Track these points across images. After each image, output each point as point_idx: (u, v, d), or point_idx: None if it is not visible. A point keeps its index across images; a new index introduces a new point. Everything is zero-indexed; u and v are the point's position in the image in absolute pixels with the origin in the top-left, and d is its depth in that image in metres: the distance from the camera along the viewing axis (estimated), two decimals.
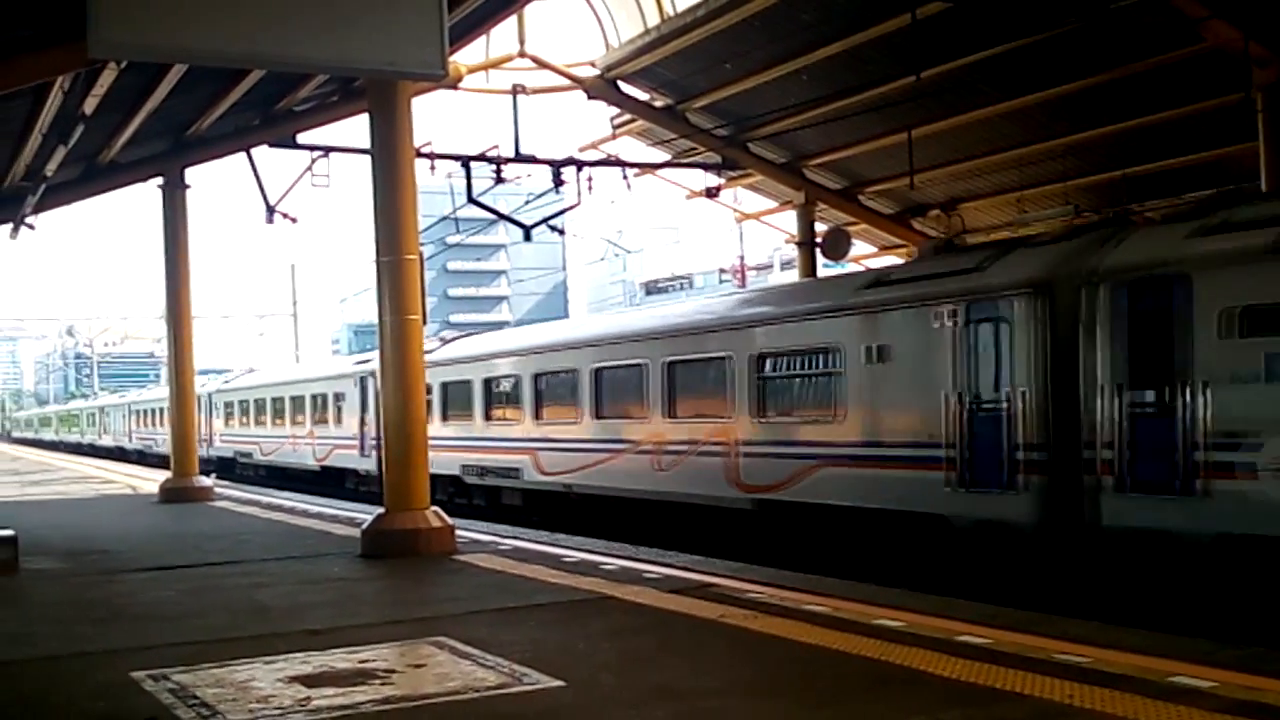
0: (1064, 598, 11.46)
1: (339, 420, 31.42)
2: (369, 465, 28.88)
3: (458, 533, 14.00)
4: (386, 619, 9.51)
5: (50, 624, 9.87)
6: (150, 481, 28.33)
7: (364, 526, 14.07)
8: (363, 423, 29.68)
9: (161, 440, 50.71)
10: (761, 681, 7.01)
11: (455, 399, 24.94)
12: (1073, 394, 12.13)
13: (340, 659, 7.75)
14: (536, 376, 21.94)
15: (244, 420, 40.55)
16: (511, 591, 10.54)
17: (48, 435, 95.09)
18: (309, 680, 7.17)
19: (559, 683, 6.92)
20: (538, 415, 21.84)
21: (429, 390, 24.44)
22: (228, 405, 42.24)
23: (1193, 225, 11.80)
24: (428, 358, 24.77)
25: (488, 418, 23.70)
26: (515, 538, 14.84)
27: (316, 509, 20.31)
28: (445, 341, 28.28)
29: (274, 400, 37.66)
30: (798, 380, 15.94)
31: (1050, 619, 8.62)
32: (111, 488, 28.97)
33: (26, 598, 11.41)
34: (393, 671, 7.43)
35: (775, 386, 16.21)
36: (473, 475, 23.64)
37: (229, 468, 39.66)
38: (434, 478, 20.73)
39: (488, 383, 23.77)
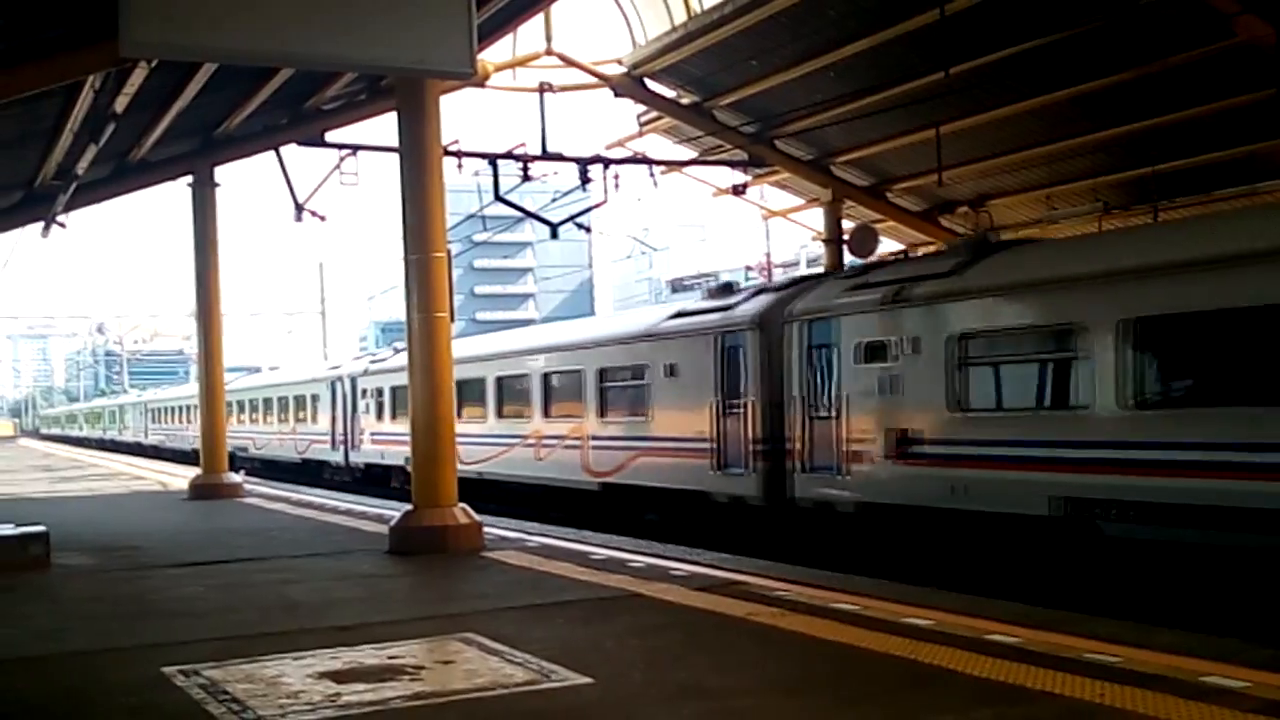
0: (1094, 597, 11.43)
1: (315, 419, 35.80)
2: (338, 458, 33.55)
3: (485, 529, 14.03)
4: (415, 615, 9.55)
5: (82, 619, 9.96)
6: (180, 478, 28.52)
7: (392, 523, 14.13)
8: (333, 420, 34.11)
9: (174, 436, 56.22)
10: (790, 680, 7.00)
11: (401, 400, 28.41)
12: (781, 401, 16.49)
13: (369, 655, 7.78)
14: (458, 383, 25.16)
15: (240, 418, 43.91)
16: (539, 588, 10.57)
17: (73, 431, 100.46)
18: (338, 676, 7.21)
19: (587, 680, 6.93)
20: (458, 414, 24.91)
21: (380, 394, 30.88)
22: (227, 405, 45.16)
23: (850, 282, 16.38)
24: (382, 365, 30.98)
25: None
26: (543, 535, 14.87)
27: (345, 506, 20.43)
28: (397, 351, 32.50)
29: (265, 401, 41.94)
30: (624, 389, 20.43)
31: (1080, 618, 8.57)
32: (141, 484, 29.19)
33: (59, 593, 11.50)
34: (421, 668, 7.45)
35: (611, 394, 20.72)
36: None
37: (229, 461, 42.12)
38: (388, 467, 29.13)
39: None
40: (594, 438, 20.71)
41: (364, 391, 31.96)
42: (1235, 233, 12.20)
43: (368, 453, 31.48)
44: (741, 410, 17.14)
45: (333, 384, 34.48)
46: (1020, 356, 13.39)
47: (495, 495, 23.51)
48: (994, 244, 15.54)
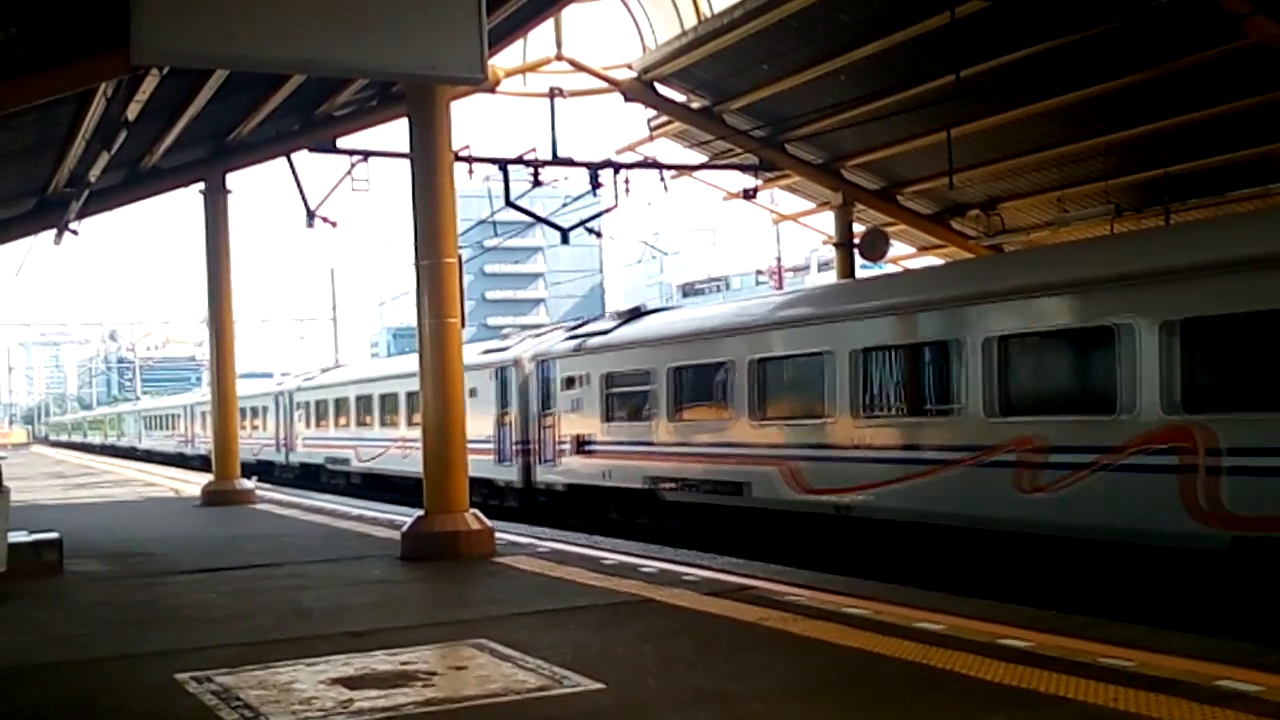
0: (1108, 602, 11.39)
1: (265, 426, 43.07)
2: (280, 458, 40.92)
3: (496, 535, 14.03)
4: (427, 621, 9.57)
5: (95, 626, 9.97)
6: (192, 485, 28.58)
7: (404, 529, 14.11)
8: (278, 427, 41.39)
9: (163, 440, 63.00)
10: (804, 685, 6.99)
11: (321, 411, 36.84)
12: (528, 414, 23.52)
13: (382, 661, 7.79)
14: (356, 398, 33.62)
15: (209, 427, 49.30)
16: (551, 594, 10.57)
17: (78, 438, 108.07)
18: (351, 682, 7.21)
19: (600, 685, 6.92)
20: (360, 423, 33.30)
21: (308, 406, 38.14)
22: (204, 414, 51.92)
23: (566, 334, 23.61)
24: (310, 383, 39.14)
25: (336, 424, 35.16)
26: (554, 540, 14.87)
27: (356, 511, 20.46)
28: (324, 370, 42.07)
29: None
30: None
31: (1094, 622, 8.55)
32: (154, 490, 29.27)
33: (72, 600, 11.52)
34: (434, 674, 7.46)
35: None
36: (330, 464, 35.61)
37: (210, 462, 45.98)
38: (316, 466, 37.11)
39: (337, 401, 35.20)
40: None
41: (298, 405, 39.29)
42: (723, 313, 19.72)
43: (301, 454, 38.95)
44: (509, 421, 24.08)
45: (276, 398, 41.75)
46: (630, 387, 20.23)
47: (382, 485, 30.31)
48: (641, 311, 22.56)
